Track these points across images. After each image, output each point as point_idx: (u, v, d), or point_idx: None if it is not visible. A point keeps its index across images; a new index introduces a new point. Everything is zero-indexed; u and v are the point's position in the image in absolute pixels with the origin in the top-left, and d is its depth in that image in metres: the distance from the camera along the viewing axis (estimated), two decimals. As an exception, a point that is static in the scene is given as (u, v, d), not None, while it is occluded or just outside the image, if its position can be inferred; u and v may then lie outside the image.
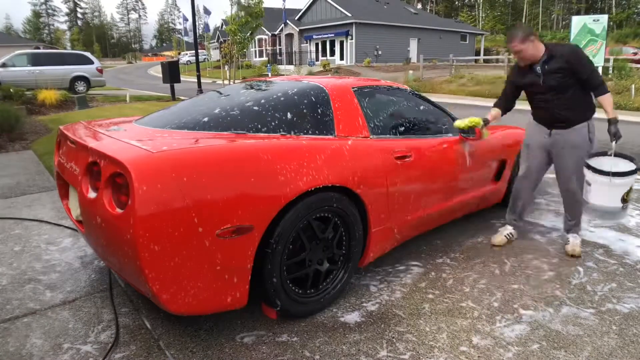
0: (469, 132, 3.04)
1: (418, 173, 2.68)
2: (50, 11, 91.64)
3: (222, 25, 37.87)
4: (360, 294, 2.42)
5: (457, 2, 76.12)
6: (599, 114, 2.65)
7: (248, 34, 20.45)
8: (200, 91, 13.27)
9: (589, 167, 2.61)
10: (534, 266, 2.75)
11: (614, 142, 2.60)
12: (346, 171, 2.21)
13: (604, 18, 12.72)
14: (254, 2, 19.09)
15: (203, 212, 1.72)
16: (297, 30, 34.59)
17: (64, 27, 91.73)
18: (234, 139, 2.06)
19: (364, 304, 2.31)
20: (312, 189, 2.03)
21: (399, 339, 2.02)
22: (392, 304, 2.31)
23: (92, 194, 1.91)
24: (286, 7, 33.69)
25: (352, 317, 2.19)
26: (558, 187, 2.99)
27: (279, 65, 31.33)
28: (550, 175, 4.92)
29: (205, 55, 39.68)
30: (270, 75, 23.92)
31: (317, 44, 34.12)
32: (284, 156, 2.03)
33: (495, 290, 2.46)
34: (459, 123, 2.99)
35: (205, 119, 2.37)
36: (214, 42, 43.45)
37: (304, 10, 36.07)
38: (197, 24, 14.73)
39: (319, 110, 2.43)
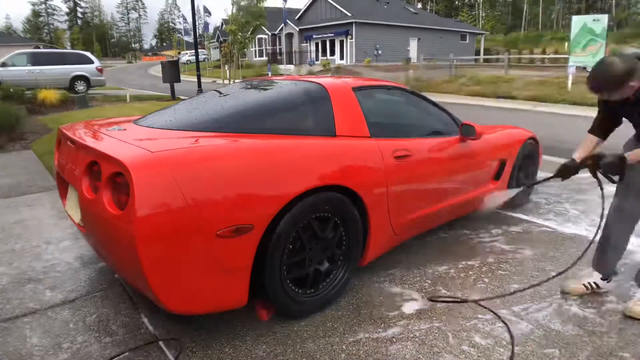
0: (469, 131, 3.04)
1: (418, 173, 2.68)
2: (50, 11, 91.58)
3: (222, 25, 37.87)
4: (361, 293, 2.42)
5: (457, 2, 76.09)
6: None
7: (248, 33, 20.45)
8: (200, 91, 13.27)
9: None
10: (534, 266, 2.75)
11: None
12: (346, 171, 2.21)
13: (604, 18, 12.70)
14: (255, 2, 19.11)
15: (203, 212, 1.72)
16: (297, 29, 34.58)
17: (64, 26, 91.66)
18: (234, 139, 2.06)
19: (365, 304, 2.31)
20: (312, 188, 2.02)
21: (400, 338, 2.02)
22: (392, 304, 2.31)
23: (92, 194, 1.91)
24: (286, 6, 33.68)
25: (353, 317, 2.19)
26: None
27: (279, 65, 31.33)
28: (551, 174, 4.92)
29: (205, 54, 39.68)
30: (270, 74, 23.92)
31: (317, 44, 34.12)
32: (284, 156, 2.03)
33: (496, 289, 2.46)
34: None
35: (205, 119, 2.37)
36: (214, 42, 43.46)
37: (304, 9, 36.07)
38: (197, 23, 14.72)
39: (319, 110, 2.43)
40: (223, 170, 1.82)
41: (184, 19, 22.96)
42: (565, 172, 2.32)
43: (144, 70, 40.24)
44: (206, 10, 22.60)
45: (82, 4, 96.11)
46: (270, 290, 2.00)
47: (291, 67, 30.14)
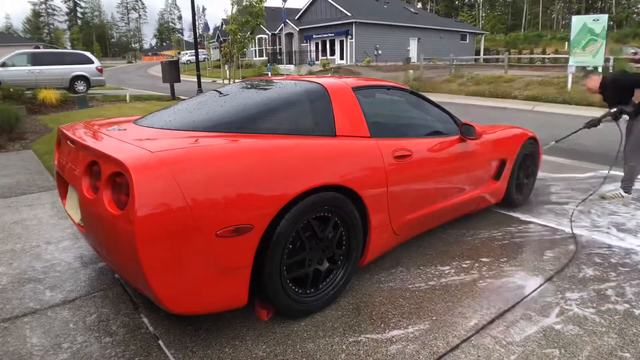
0: (469, 131, 3.04)
1: (418, 173, 2.68)
2: (50, 11, 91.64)
3: (222, 25, 37.88)
4: (361, 293, 2.42)
5: (457, 2, 76.10)
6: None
7: (248, 33, 20.47)
8: (200, 91, 13.26)
9: None
10: (535, 266, 2.75)
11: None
12: (346, 171, 2.21)
13: (604, 18, 12.71)
14: (255, 1, 19.12)
15: (203, 212, 1.72)
16: (297, 29, 34.58)
17: (64, 26, 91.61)
18: (234, 139, 2.06)
19: (364, 304, 2.31)
20: (312, 188, 2.02)
21: (400, 338, 2.02)
22: (392, 304, 2.31)
23: (92, 194, 1.91)
24: (286, 6, 33.66)
25: (353, 317, 2.19)
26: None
27: (279, 65, 31.33)
28: (551, 174, 4.93)
29: (205, 54, 39.70)
30: (270, 74, 23.93)
31: (317, 44, 34.11)
32: (284, 156, 2.03)
33: (496, 289, 2.46)
34: None
35: (205, 119, 2.38)
36: (214, 42, 43.48)
37: (303, 9, 36.08)
38: (196, 23, 14.72)
39: (319, 110, 2.43)
40: (223, 170, 1.82)
41: (179, 17, 22.91)
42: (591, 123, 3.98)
43: (143, 70, 40.27)
44: (204, 13, 22.58)
45: (82, 4, 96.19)
46: (270, 290, 2.00)
47: (291, 67, 30.13)
